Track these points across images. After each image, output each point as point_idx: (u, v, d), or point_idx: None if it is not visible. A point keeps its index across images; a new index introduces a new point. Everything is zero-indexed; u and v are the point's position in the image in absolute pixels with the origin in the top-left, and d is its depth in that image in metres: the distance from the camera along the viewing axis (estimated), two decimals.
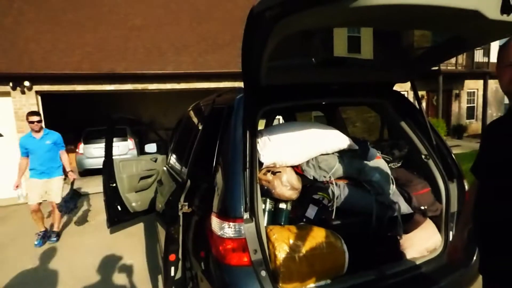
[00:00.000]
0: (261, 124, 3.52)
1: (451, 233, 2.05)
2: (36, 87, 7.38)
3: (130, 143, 9.47)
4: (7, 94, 7.21)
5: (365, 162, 2.19)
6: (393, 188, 2.12)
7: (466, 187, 2.12)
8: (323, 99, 2.45)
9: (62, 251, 4.09)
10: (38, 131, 4.31)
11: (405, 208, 2.06)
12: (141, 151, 9.89)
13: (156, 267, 3.40)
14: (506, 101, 15.84)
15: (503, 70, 1.12)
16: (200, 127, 2.63)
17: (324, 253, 1.81)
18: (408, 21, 1.53)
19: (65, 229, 4.93)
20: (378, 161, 2.22)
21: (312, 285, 1.80)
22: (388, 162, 2.34)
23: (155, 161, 4.53)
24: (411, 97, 11.01)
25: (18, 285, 3.30)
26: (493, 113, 14.94)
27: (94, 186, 7.44)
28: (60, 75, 7.40)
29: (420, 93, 11.35)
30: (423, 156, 2.26)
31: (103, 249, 4.01)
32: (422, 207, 2.07)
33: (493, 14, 1.08)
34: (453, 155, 2.18)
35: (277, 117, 5.78)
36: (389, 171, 2.19)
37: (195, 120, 3.20)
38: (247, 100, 2.00)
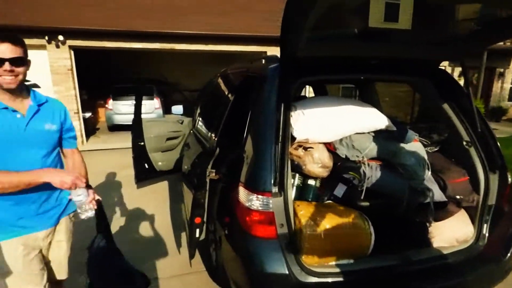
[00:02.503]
0: None
1: (485, 226, 1.97)
2: (69, 42, 7.49)
3: (156, 102, 9.61)
4: (43, 47, 7.39)
5: (401, 144, 2.09)
6: (428, 174, 2.03)
7: (510, 179, 2.00)
8: (362, 74, 2.31)
9: None
10: (15, 92, 1.42)
11: (438, 195, 1.98)
12: (166, 111, 10.05)
13: (179, 225, 3.56)
14: None
15: None
16: (230, 95, 2.58)
17: (349, 233, 1.80)
18: None
19: (92, 181, 5.20)
20: (415, 145, 2.12)
21: (335, 262, 1.81)
22: (425, 146, 2.23)
23: (182, 123, 4.58)
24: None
25: None
26: None
27: (122, 142, 7.72)
28: (91, 31, 7.43)
29: (459, 70, 10.56)
30: (464, 143, 2.12)
31: (129, 202, 4.22)
32: (458, 197, 1.98)
33: None
34: (498, 145, 2.03)
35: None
36: (425, 156, 2.09)
37: (225, 87, 3.13)
38: (283, 70, 1.92)
